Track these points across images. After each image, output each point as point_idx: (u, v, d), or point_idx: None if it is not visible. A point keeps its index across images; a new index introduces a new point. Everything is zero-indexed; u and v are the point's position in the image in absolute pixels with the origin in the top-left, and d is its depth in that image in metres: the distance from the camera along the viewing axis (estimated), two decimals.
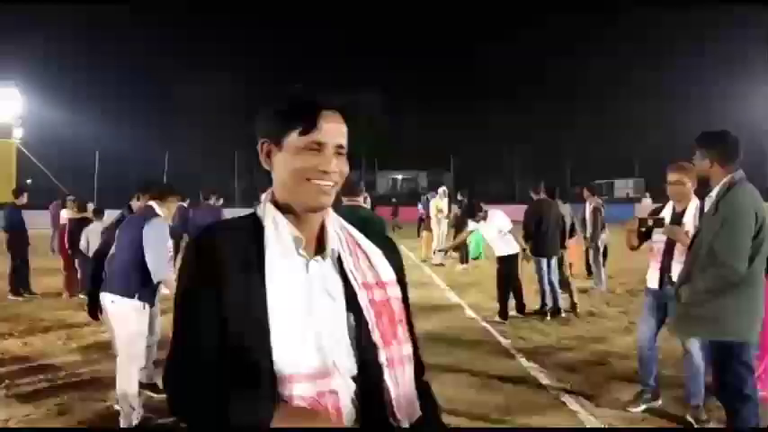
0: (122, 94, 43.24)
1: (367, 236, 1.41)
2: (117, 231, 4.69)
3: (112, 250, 4.69)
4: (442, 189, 14.79)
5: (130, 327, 4.37)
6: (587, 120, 48.92)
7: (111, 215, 11.19)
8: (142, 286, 4.39)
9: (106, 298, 4.39)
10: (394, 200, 30.04)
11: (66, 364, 5.81)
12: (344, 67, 55.12)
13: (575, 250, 9.62)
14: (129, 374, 4.37)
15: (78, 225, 9.49)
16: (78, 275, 9.72)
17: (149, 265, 4.33)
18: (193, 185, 26.62)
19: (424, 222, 20.12)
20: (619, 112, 46.91)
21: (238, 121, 48.25)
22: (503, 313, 7.64)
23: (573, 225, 8.79)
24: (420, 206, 21.63)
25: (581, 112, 49.48)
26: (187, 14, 48.30)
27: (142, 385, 4.71)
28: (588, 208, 9.94)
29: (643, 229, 4.23)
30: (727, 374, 3.32)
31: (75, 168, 30.97)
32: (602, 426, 4.21)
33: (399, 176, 55.61)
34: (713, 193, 3.36)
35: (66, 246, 9.83)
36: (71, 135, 33.01)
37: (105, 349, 6.36)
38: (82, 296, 9.45)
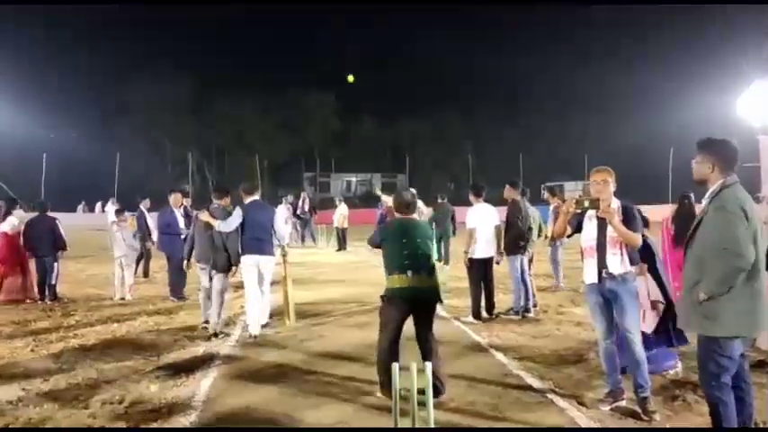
0: (71, 95, 41.57)
1: None
2: (246, 215, 6.94)
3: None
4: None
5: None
6: (537, 124, 50.12)
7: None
8: None
9: (269, 259, 7.14)
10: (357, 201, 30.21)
11: (39, 372, 5.56)
12: (301, 68, 54.77)
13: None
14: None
15: (38, 224, 9.31)
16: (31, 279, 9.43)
17: (282, 230, 7.63)
18: (146, 186, 26.03)
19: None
20: (564, 118, 48.24)
21: (192, 121, 47.46)
22: (477, 314, 7.74)
23: (540, 225, 8.98)
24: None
25: (530, 116, 50.63)
26: (136, 12, 47.05)
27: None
28: (551, 209, 10.17)
29: (579, 211, 4.42)
30: (709, 363, 3.47)
31: (22, 170, 29.71)
32: (595, 425, 4.27)
33: (354, 178, 55.57)
34: (707, 195, 3.55)
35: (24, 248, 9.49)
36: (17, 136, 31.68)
37: (77, 354, 6.19)
38: (48, 301, 9.15)
